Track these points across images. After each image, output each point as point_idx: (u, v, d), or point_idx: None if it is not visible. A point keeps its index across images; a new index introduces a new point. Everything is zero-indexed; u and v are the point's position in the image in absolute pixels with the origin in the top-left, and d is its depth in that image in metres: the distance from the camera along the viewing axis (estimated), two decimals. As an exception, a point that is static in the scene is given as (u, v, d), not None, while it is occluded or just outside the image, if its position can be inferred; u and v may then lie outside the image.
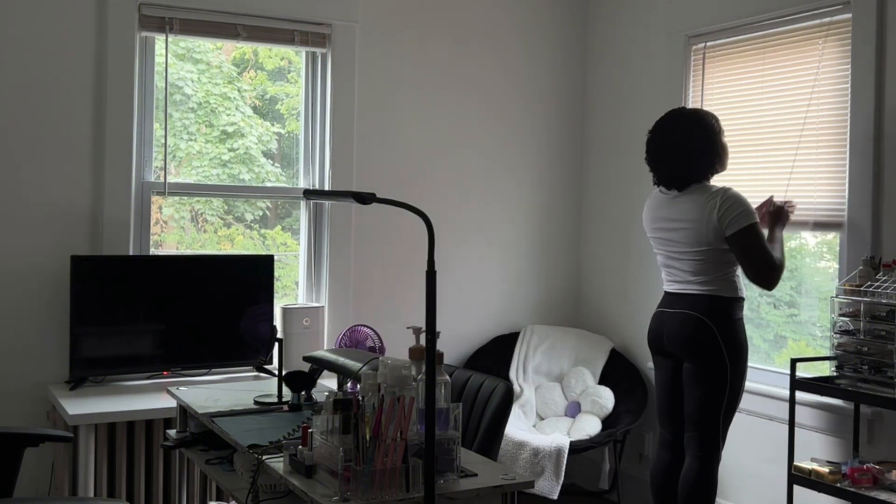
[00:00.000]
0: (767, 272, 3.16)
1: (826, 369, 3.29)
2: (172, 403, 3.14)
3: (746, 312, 3.36)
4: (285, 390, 2.82)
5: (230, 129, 4.21)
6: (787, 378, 3.32)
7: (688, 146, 3.28)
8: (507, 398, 2.66)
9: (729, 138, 3.45)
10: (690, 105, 4.13)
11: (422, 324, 2.05)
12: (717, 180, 3.38)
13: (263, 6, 4.01)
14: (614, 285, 4.61)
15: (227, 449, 2.70)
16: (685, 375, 3.33)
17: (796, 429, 3.33)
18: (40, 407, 3.62)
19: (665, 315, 3.37)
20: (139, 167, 3.86)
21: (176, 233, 4.24)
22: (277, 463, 2.21)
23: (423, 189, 4.40)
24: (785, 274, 3.24)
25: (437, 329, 1.93)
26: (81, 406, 3.30)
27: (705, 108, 4.08)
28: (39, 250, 3.65)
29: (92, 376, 3.66)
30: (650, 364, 4.31)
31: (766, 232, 3.33)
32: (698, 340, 3.22)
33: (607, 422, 4.19)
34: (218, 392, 2.98)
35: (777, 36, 3.78)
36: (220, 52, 4.24)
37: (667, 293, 3.43)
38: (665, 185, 3.34)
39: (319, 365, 2.82)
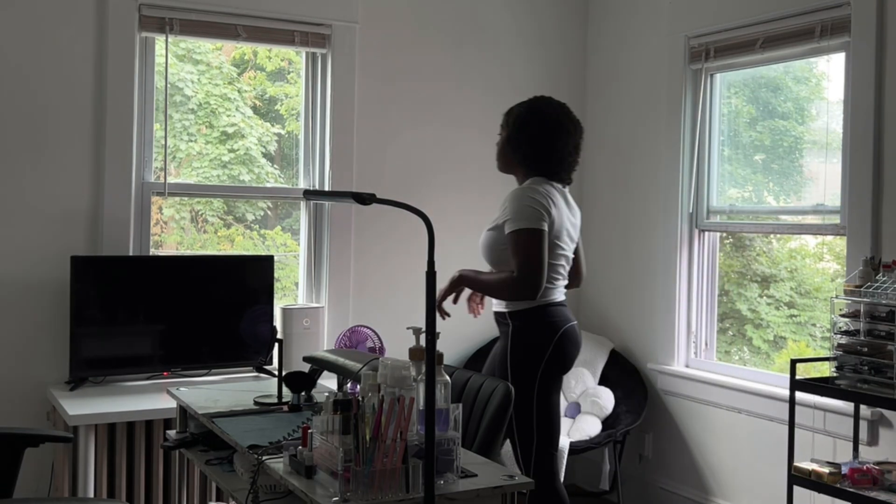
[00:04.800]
0: None
1: (826, 370, 3.29)
2: (172, 404, 3.14)
3: (746, 312, 3.35)
4: (285, 391, 2.82)
5: (230, 130, 4.21)
6: (787, 379, 3.32)
7: (579, 141, 3.13)
8: (507, 399, 2.66)
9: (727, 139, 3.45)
10: (691, 108, 4.13)
11: (422, 324, 2.04)
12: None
13: (263, 6, 4.01)
14: (614, 286, 4.61)
15: (227, 449, 2.70)
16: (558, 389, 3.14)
17: (796, 429, 3.33)
18: (40, 407, 3.62)
19: (577, 330, 3.11)
20: (139, 168, 3.87)
21: (176, 233, 4.24)
22: (277, 463, 2.20)
23: (423, 189, 4.40)
24: (785, 275, 3.23)
25: (437, 329, 1.94)
26: (81, 406, 3.30)
27: (703, 112, 4.08)
28: (39, 251, 3.66)
29: (92, 377, 3.66)
30: (650, 364, 4.32)
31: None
32: None
33: (607, 422, 4.19)
34: (218, 392, 2.98)
35: (777, 37, 3.78)
36: (219, 52, 4.25)
37: (562, 304, 3.09)
38: (565, 182, 3.13)
39: (319, 365, 2.82)
